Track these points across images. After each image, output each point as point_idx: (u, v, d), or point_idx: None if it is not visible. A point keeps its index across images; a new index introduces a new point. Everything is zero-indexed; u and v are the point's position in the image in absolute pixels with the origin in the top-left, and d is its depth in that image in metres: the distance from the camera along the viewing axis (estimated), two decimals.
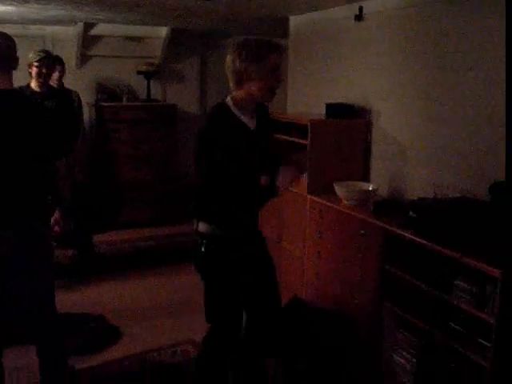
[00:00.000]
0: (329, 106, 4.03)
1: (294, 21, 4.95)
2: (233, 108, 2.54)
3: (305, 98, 4.84)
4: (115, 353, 3.48)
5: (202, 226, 2.61)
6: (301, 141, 3.89)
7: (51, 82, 4.76)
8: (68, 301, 3.98)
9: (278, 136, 4.20)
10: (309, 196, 3.83)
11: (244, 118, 2.56)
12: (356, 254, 3.37)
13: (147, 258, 5.22)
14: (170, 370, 3.32)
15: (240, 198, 2.54)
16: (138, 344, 3.56)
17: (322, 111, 4.13)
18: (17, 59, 2.70)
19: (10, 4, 4.21)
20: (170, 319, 3.94)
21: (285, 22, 5.02)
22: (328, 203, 3.64)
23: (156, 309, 4.14)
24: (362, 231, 3.30)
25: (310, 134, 3.78)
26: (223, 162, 2.46)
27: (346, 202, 3.58)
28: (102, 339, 3.57)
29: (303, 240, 3.95)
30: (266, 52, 2.44)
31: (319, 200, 3.74)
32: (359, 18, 4.02)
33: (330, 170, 3.86)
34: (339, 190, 3.62)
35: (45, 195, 2.80)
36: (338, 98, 4.20)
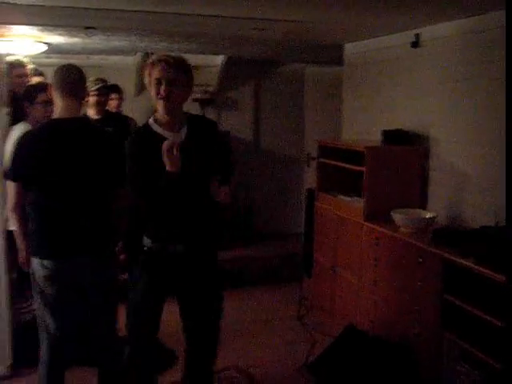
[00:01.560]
0: (385, 133, 4.02)
1: (349, 48, 4.98)
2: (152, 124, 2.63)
3: (359, 124, 4.84)
4: (171, 376, 3.51)
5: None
6: (356, 167, 3.89)
7: (109, 109, 4.93)
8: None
9: (334, 162, 4.22)
10: (365, 223, 3.81)
11: (163, 132, 2.60)
12: (414, 282, 3.31)
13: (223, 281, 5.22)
14: None
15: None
16: None
17: (376, 138, 4.13)
18: (86, 90, 2.84)
19: (77, 36, 4.41)
20: (222, 343, 3.94)
21: (339, 49, 5.05)
22: (385, 230, 3.61)
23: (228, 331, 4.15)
24: (420, 259, 3.25)
25: (366, 161, 3.77)
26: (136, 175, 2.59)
27: (403, 229, 3.54)
28: (158, 363, 3.60)
29: (359, 267, 3.91)
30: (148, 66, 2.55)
31: (376, 227, 3.71)
32: (416, 44, 4.02)
33: (386, 197, 3.83)
34: (397, 217, 3.58)
35: (111, 223, 2.89)
36: (393, 124, 4.18)
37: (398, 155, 3.89)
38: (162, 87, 2.50)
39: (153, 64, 2.52)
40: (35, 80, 4.29)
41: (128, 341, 2.80)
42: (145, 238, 2.69)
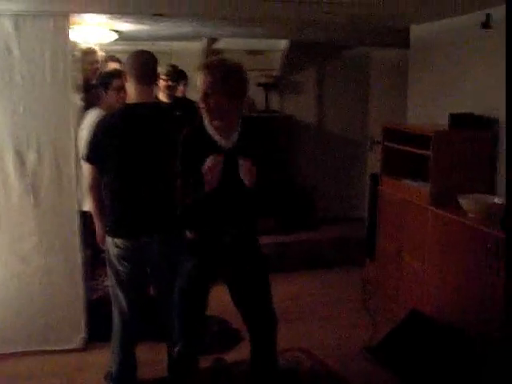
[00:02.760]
0: (453, 117, 3.93)
1: (416, 30, 4.88)
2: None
3: (426, 108, 4.75)
4: (235, 355, 3.61)
5: None
6: (423, 152, 3.83)
7: (177, 94, 5.05)
8: None
9: (400, 147, 4.17)
10: (431, 208, 3.76)
11: (215, 135, 2.58)
12: (482, 269, 3.26)
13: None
14: (283, 375, 3.37)
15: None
16: None
17: (442, 122, 4.05)
18: (158, 75, 2.94)
19: (144, 23, 4.52)
20: (287, 324, 4.01)
21: (405, 31, 4.96)
22: (452, 216, 3.56)
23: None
24: (489, 245, 3.19)
25: (433, 145, 3.71)
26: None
27: (471, 214, 3.47)
28: (224, 342, 3.71)
29: (424, 253, 3.87)
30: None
31: (443, 212, 3.66)
32: (486, 25, 3.90)
33: (453, 182, 3.76)
34: (464, 202, 3.52)
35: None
36: (461, 108, 4.08)
37: (466, 139, 3.80)
38: (209, 101, 2.47)
39: (201, 71, 2.49)
40: (111, 66, 4.45)
41: (176, 325, 2.84)
42: (194, 223, 2.74)
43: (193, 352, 2.85)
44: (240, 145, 2.62)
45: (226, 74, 2.46)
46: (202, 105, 2.52)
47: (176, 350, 2.80)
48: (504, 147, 3.77)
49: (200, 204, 2.61)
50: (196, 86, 2.53)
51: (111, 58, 4.69)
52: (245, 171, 2.53)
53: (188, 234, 2.75)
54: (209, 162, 2.50)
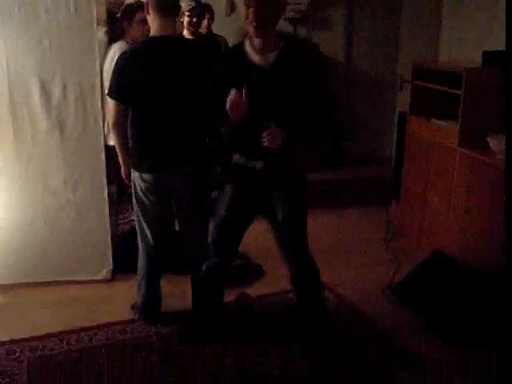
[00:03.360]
0: (486, 54, 3.80)
1: None
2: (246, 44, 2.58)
3: (458, 46, 4.61)
4: (257, 289, 3.67)
5: None
6: (454, 91, 3.73)
7: (200, 30, 4.94)
8: None
9: (429, 85, 4.06)
10: (459, 148, 3.69)
11: (252, 54, 2.56)
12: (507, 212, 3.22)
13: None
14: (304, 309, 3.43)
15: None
16: (280, 284, 3.70)
17: (478, 60, 3.91)
18: (180, 8, 2.87)
19: None
20: None
21: None
22: (480, 156, 3.49)
23: None
24: None
25: (464, 84, 3.60)
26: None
27: (500, 156, 3.40)
28: (247, 276, 3.78)
29: (450, 194, 3.83)
30: None
31: (470, 153, 3.59)
32: None
33: (483, 122, 3.67)
34: (493, 143, 3.45)
35: (204, 140, 2.99)
36: (495, 46, 3.93)
37: (499, 79, 3.68)
38: (251, 12, 2.44)
39: None
40: None
41: (208, 251, 2.95)
42: (233, 152, 2.75)
43: (223, 271, 2.97)
44: (278, 65, 2.57)
45: None
46: (246, 20, 2.48)
47: (205, 264, 2.91)
48: None
49: (234, 131, 2.61)
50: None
51: None
52: (269, 140, 2.52)
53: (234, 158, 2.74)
54: (231, 97, 2.48)
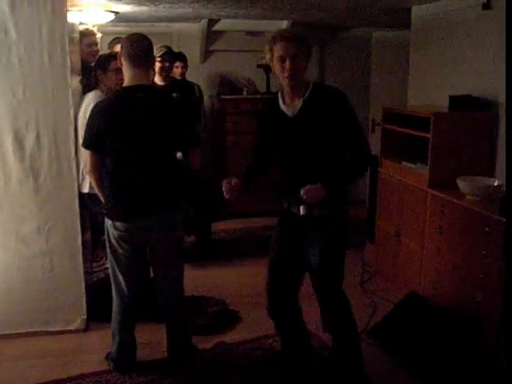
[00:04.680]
0: (453, 99, 3.92)
1: (417, 11, 4.84)
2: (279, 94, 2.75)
3: (426, 90, 4.73)
4: (234, 336, 3.64)
5: None
6: (423, 134, 3.83)
7: (175, 76, 5.02)
8: (190, 285, 4.19)
9: (400, 129, 4.16)
10: (430, 190, 3.76)
11: (281, 105, 2.72)
12: (479, 251, 3.27)
13: (262, 247, 5.33)
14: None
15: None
16: (256, 329, 3.68)
17: (443, 104, 4.03)
18: (154, 58, 2.92)
19: (144, 4, 4.49)
20: None
21: (407, 12, 4.92)
22: (450, 198, 3.57)
23: None
24: (487, 228, 3.20)
25: (432, 127, 3.71)
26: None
27: (469, 197, 3.48)
28: (223, 322, 3.74)
29: (423, 235, 3.89)
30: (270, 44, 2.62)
31: (441, 195, 3.66)
32: (487, 6, 3.87)
33: (452, 165, 3.77)
34: (462, 184, 3.53)
35: (178, 186, 3.00)
36: (461, 90, 4.07)
37: (466, 121, 3.80)
38: (286, 64, 2.57)
39: (275, 41, 2.59)
40: (118, 48, 4.43)
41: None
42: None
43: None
44: (304, 113, 2.67)
45: (302, 40, 2.59)
46: (281, 74, 2.61)
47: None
48: (504, 130, 3.77)
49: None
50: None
51: (119, 39, 4.66)
52: (308, 198, 2.58)
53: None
54: (224, 183, 2.71)
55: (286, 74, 2.59)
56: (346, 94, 2.73)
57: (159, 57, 4.59)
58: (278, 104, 2.74)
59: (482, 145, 3.83)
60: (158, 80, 4.70)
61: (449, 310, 3.46)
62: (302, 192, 2.56)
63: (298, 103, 2.67)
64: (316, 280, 2.88)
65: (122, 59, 2.85)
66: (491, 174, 3.83)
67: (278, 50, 2.58)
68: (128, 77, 2.86)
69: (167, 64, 4.71)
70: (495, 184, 3.55)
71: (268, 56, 2.65)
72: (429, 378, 3.11)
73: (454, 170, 3.73)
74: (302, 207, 2.68)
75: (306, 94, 2.66)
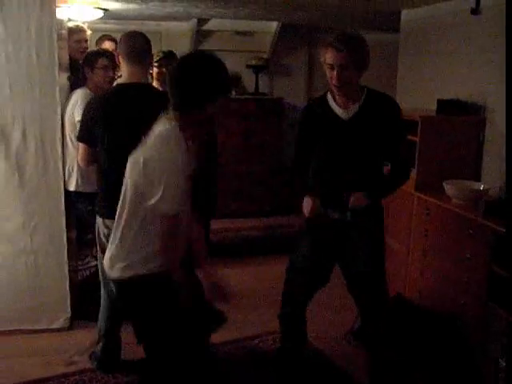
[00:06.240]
0: (440, 102, 3.94)
1: (406, 15, 4.87)
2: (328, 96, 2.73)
3: (414, 93, 4.76)
4: (218, 337, 3.62)
5: None
6: (410, 137, 3.83)
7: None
8: None
9: None
10: (416, 193, 3.78)
11: (335, 106, 2.68)
12: (463, 254, 3.29)
13: (254, 247, 5.36)
14: (269, 357, 3.41)
15: None
16: (241, 330, 3.68)
17: (432, 107, 4.06)
18: (152, 57, 2.93)
19: (133, 2, 4.47)
20: (272, 308, 4.02)
21: (396, 16, 4.95)
22: (436, 201, 3.59)
23: (260, 296, 4.26)
24: (471, 231, 3.22)
25: (420, 131, 3.72)
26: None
27: (455, 201, 3.50)
28: (209, 323, 3.72)
29: (408, 238, 3.91)
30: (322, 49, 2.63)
31: (427, 198, 3.68)
32: (476, 11, 3.90)
33: (439, 168, 3.78)
34: (449, 188, 3.55)
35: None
36: (449, 94, 4.10)
37: (453, 125, 3.82)
38: (334, 74, 2.56)
39: (326, 47, 2.58)
40: (106, 45, 4.41)
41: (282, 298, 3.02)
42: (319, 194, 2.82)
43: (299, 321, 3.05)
44: (359, 117, 2.66)
45: (354, 49, 2.55)
46: (330, 80, 2.60)
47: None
48: (490, 134, 3.80)
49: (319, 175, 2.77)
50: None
51: (107, 37, 4.64)
52: (352, 206, 2.63)
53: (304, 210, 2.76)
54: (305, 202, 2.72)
55: (334, 82, 2.59)
56: (397, 102, 2.77)
57: (156, 62, 4.56)
58: (328, 105, 2.71)
59: (468, 149, 3.85)
60: (155, 85, 4.67)
61: (433, 312, 3.48)
62: (351, 200, 2.60)
63: (354, 107, 2.66)
64: (363, 285, 2.85)
65: (120, 57, 2.85)
66: (477, 178, 3.86)
67: (329, 57, 2.57)
68: (125, 74, 2.87)
69: (164, 70, 4.68)
70: (481, 188, 3.57)
71: (322, 58, 2.64)
72: (414, 378, 3.14)
73: (440, 173, 3.74)
74: (348, 213, 2.70)
75: (362, 100, 2.67)
